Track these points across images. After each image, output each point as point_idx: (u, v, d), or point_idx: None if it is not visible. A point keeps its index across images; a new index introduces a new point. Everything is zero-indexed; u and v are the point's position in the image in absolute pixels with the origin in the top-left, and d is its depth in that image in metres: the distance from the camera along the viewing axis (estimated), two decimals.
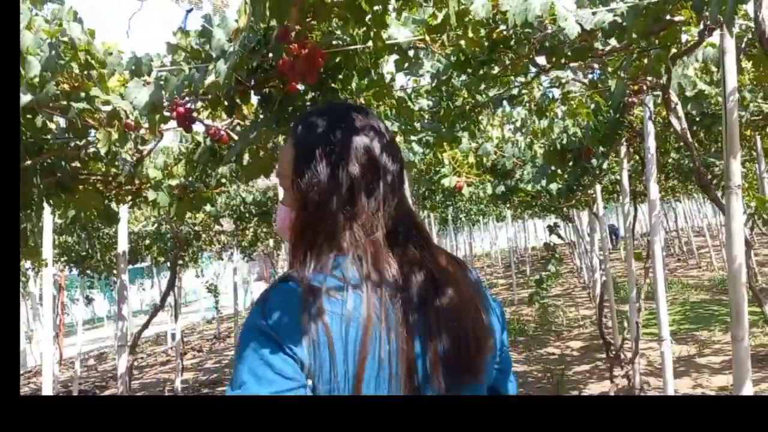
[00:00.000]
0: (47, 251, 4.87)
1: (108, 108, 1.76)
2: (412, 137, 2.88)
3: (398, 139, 3.41)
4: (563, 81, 3.19)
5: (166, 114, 1.99)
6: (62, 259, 6.97)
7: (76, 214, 3.50)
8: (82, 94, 1.70)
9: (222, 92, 1.97)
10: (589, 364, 7.46)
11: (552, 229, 6.05)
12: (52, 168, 2.94)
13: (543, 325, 10.43)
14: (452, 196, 6.94)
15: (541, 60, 2.55)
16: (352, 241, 1.02)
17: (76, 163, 3.12)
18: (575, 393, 6.23)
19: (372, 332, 0.94)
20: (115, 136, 1.84)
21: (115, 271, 9.82)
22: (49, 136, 2.67)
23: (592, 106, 3.57)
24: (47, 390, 4.87)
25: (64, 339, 12.10)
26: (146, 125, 2.92)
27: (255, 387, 0.89)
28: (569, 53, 2.36)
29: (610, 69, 2.80)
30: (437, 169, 4.19)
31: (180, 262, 6.88)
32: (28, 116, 2.25)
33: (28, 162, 2.70)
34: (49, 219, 4.83)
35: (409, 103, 2.52)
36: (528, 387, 6.78)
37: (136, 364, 12.14)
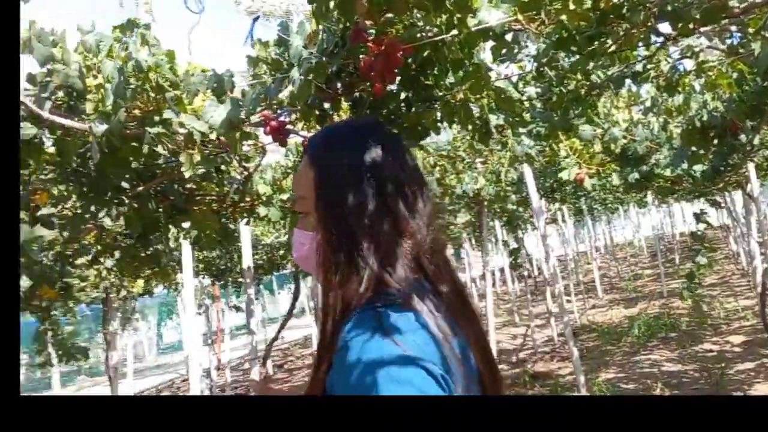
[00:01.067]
0: (187, 266, 5.08)
1: (184, 130, 1.67)
2: (521, 129, 2.60)
3: (506, 132, 3.13)
4: (696, 50, 2.76)
5: (248, 130, 1.88)
6: (204, 274, 7.30)
7: (197, 235, 3.56)
8: (156, 118, 1.63)
9: (302, 102, 1.83)
10: (754, 361, 6.64)
11: (699, 217, 5.42)
12: (165, 192, 2.98)
13: (698, 318, 9.48)
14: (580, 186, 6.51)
15: (665, 27, 2.19)
16: (399, 259, 0.97)
17: (190, 185, 3.16)
18: (739, 394, 5.54)
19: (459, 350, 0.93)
20: (197, 158, 1.75)
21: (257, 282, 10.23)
22: (160, 161, 2.70)
23: (734, 75, 3.08)
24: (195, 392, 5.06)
25: (221, 345, 12.74)
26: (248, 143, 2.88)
27: None
28: (698, 16, 1.99)
29: (751, 30, 2.36)
30: (556, 160, 3.85)
31: None
32: (133, 144, 2.26)
33: (141, 188, 2.74)
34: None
35: (512, 93, 2.26)
36: (683, 388, 6.14)
37: (286, 366, 12.61)
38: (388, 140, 1.04)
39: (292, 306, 4.97)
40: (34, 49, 1.68)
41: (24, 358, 14.13)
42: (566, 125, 2.54)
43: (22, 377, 17.13)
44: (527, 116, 2.67)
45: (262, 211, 3.25)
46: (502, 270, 18.61)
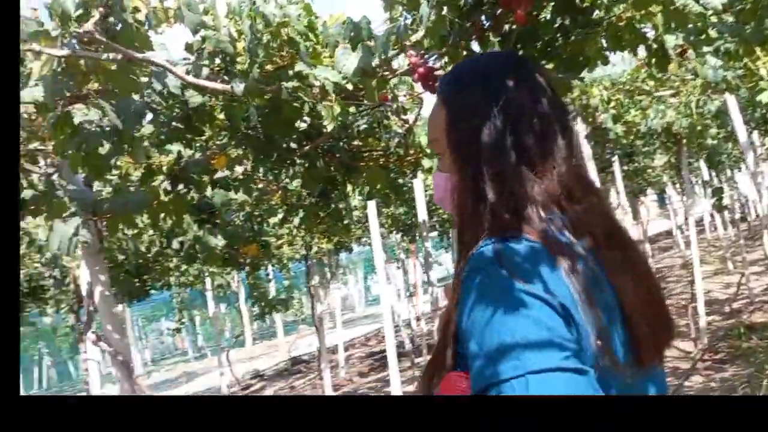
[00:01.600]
0: (373, 223, 5.24)
1: (319, 83, 1.65)
2: (705, 48, 2.22)
3: (689, 53, 2.71)
4: None
5: (388, 76, 1.81)
6: (392, 230, 7.49)
7: (370, 191, 3.63)
8: (291, 72, 1.63)
9: (437, 40, 1.71)
10: None
11: None
12: (332, 150, 3.04)
13: None
14: None
15: None
16: (530, 199, 0.90)
17: (356, 141, 3.21)
18: None
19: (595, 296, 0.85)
20: (337, 109, 1.73)
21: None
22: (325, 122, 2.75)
23: None
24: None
25: (419, 297, 13.14)
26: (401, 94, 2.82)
27: (537, 357, 0.76)
28: None
29: None
30: (755, 82, 3.26)
31: None
32: (295, 104, 2.32)
33: (307, 148, 2.82)
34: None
35: (689, 5, 1.92)
36: None
37: None
38: (523, 73, 0.97)
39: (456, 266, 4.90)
40: (185, 17, 1.75)
41: (244, 310, 15.84)
42: (762, 38, 2.12)
43: (253, 328, 19.24)
44: (712, 32, 2.27)
45: (426, 163, 3.20)
46: (712, 215, 16.82)
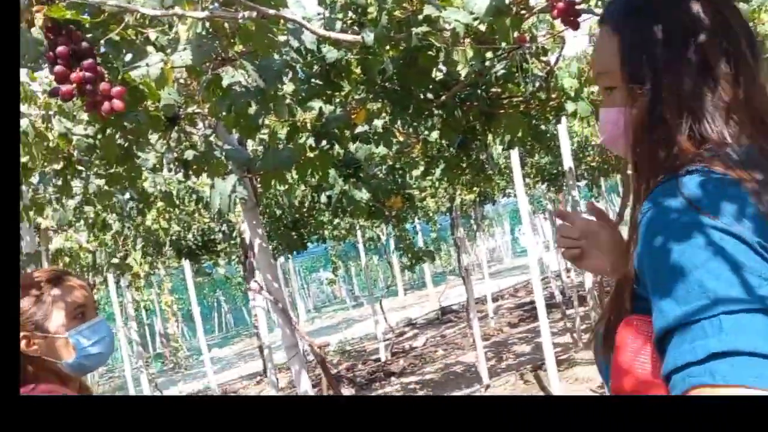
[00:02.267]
0: (517, 172, 5.09)
1: (449, 26, 1.58)
2: None
3: None
4: None
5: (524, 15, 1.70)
6: (537, 180, 7.22)
7: (511, 139, 3.49)
8: (420, 18, 1.58)
9: None
10: None
11: None
12: (470, 98, 2.96)
13: None
14: None
15: None
16: (719, 130, 0.81)
17: (495, 88, 3.08)
18: None
19: None
20: (470, 53, 1.66)
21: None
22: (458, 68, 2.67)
23: None
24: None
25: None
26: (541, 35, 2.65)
27: (731, 296, 0.68)
28: None
29: None
30: None
31: None
32: (429, 53, 2.27)
33: (444, 97, 2.76)
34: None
35: None
36: None
37: None
38: None
39: (622, 208, 4.58)
40: None
41: (394, 262, 16.23)
42: None
43: (403, 278, 19.74)
44: None
45: (569, 107, 3.00)
46: None
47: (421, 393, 7.08)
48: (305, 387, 2.55)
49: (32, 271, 1.49)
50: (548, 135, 3.84)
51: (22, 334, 1.34)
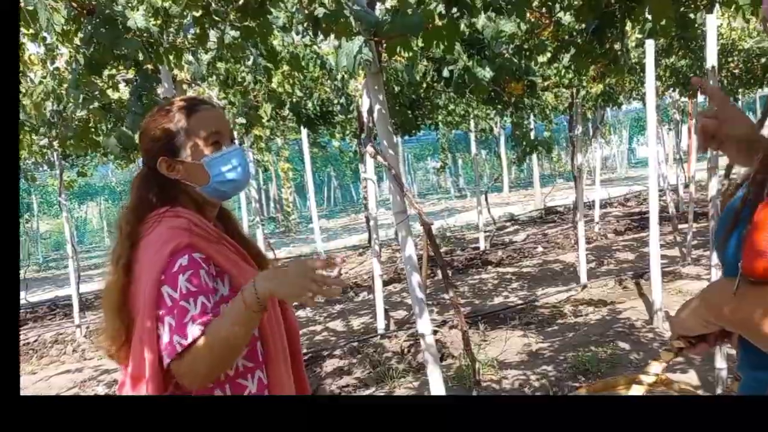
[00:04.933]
0: (650, 70, 4.69)
1: None
2: None
3: None
4: None
5: None
6: (669, 84, 6.61)
7: (653, 27, 3.18)
8: None
9: None
10: None
11: None
12: None
13: None
14: None
15: None
16: None
17: None
18: None
19: None
20: None
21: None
22: None
23: None
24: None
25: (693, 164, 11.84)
26: None
27: None
28: None
29: None
30: None
31: None
32: None
33: None
34: None
35: None
36: None
37: None
38: None
39: (761, 122, 4.11)
40: None
41: (503, 156, 15.84)
42: None
43: (510, 176, 19.33)
44: None
45: None
46: None
47: (515, 284, 7.14)
48: (410, 251, 2.62)
49: (171, 98, 1.54)
50: (696, 26, 3.45)
51: (161, 158, 1.39)
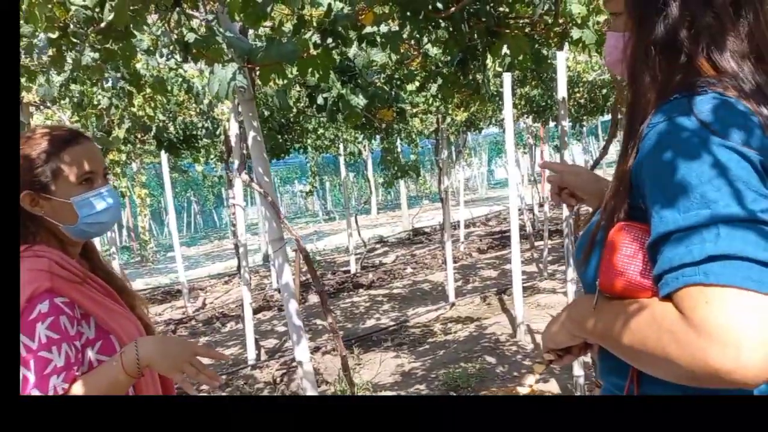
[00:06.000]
0: (507, 102, 5.09)
1: None
2: None
3: None
4: None
5: None
6: (524, 112, 7.22)
7: (511, 61, 3.48)
8: None
9: None
10: None
11: None
12: (478, 14, 2.93)
13: None
14: None
15: None
16: (722, 51, 0.86)
17: (503, 7, 3.05)
18: None
19: None
20: None
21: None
22: None
23: None
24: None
25: (546, 185, 12.89)
26: None
27: (730, 205, 0.73)
28: None
29: None
30: None
31: None
32: None
33: (453, 8, 2.73)
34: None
35: None
36: None
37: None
38: None
39: (605, 148, 4.64)
40: None
41: (371, 179, 16.28)
42: None
43: (378, 198, 19.77)
44: None
45: (575, 34, 3.00)
46: None
47: (387, 306, 7.32)
48: (287, 278, 2.64)
49: (44, 126, 1.44)
50: (548, 60, 3.83)
51: (26, 192, 1.30)
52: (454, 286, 7.02)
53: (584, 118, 8.69)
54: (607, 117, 10.72)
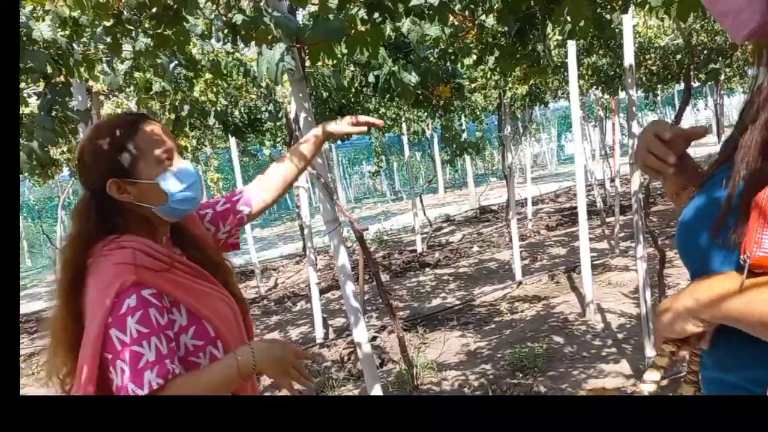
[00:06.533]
0: (572, 70, 4.86)
1: None
2: None
3: None
4: None
5: None
6: (592, 82, 6.87)
7: (572, 28, 3.29)
8: None
9: None
10: None
11: None
12: None
13: None
14: None
15: None
16: None
17: None
18: None
19: None
20: None
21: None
22: None
23: None
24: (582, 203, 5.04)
25: (617, 159, 12.32)
26: None
27: None
28: None
29: None
30: None
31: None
32: None
33: None
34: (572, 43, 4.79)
35: None
36: None
37: None
38: None
39: (677, 117, 4.36)
40: None
41: (437, 158, 16.10)
42: None
43: (445, 177, 19.61)
44: None
45: None
46: None
47: (453, 285, 7.23)
48: (343, 260, 2.61)
49: (107, 115, 1.47)
50: (612, 26, 3.61)
51: (111, 180, 1.29)
52: (521, 264, 6.85)
53: (658, 86, 8.21)
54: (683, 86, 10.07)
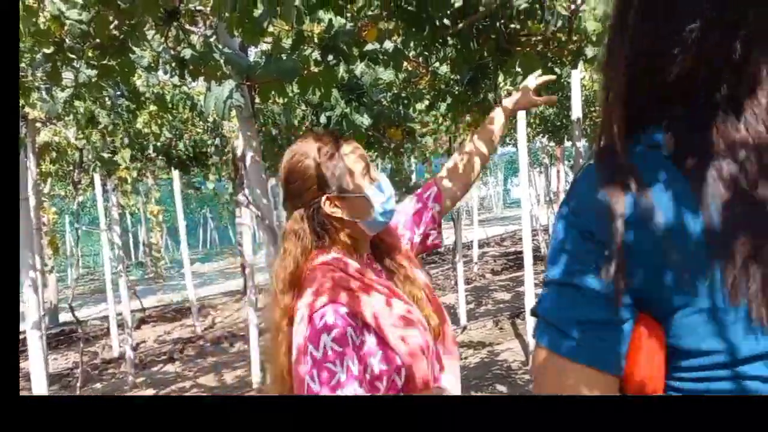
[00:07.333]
0: (521, 119, 4.97)
1: None
2: None
3: None
4: None
5: None
6: (538, 131, 7.07)
7: (523, 79, 3.37)
8: None
9: None
10: None
11: None
12: (487, 31, 2.82)
13: None
14: None
15: None
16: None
17: (514, 24, 2.94)
18: None
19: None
20: None
21: None
22: None
23: None
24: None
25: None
26: None
27: (550, 269, 0.75)
28: None
29: None
30: None
31: None
32: None
33: (461, 25, 2.62)
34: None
35: None
36: None
37: None
38: None
39: None
40: None
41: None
42: None
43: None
44: None
45: (590, 52, 2.87)
46: None
47: None
48: None
49: (305, 135, 1.44)
50: (561, 80, 3.71)
51: (324, 196, 1.30)
52: (466, 308, 6.85)
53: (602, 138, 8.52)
54: None
